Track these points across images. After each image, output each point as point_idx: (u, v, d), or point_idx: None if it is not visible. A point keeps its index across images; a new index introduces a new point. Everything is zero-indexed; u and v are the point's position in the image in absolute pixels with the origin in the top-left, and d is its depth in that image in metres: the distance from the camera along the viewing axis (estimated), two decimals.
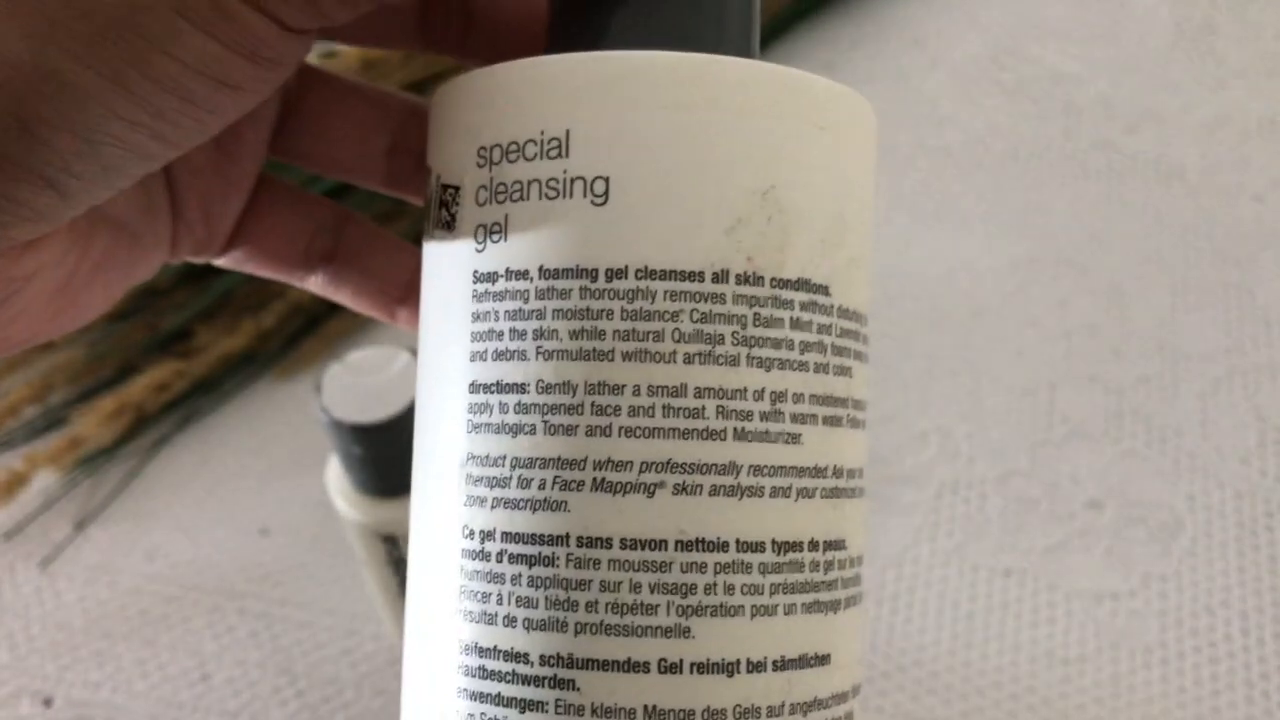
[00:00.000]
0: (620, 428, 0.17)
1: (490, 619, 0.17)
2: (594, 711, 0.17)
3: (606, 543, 0.17)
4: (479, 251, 0.18)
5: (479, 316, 0.18)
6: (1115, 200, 0.55)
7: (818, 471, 0.18)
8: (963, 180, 0.56)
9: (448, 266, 0.19)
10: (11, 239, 0.17)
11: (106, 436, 0.48)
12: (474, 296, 0.18)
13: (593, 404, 0.17)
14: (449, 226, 0.19)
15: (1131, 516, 0.44)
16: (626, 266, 0.17)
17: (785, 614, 0.17)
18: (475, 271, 0.18)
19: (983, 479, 0.46)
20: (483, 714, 0.17)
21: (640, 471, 0.17)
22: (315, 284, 0.25)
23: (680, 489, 0.17)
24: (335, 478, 0.36)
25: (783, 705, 0.17)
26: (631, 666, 0.17)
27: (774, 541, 0.17)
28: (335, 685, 0.42)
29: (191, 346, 0.51)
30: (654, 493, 0.17)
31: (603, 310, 0.17)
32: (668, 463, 0.17)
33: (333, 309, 0.52)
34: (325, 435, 0.34)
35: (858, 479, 0.19)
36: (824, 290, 0.18)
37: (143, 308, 0.52)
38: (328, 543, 0.45)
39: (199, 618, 0.44)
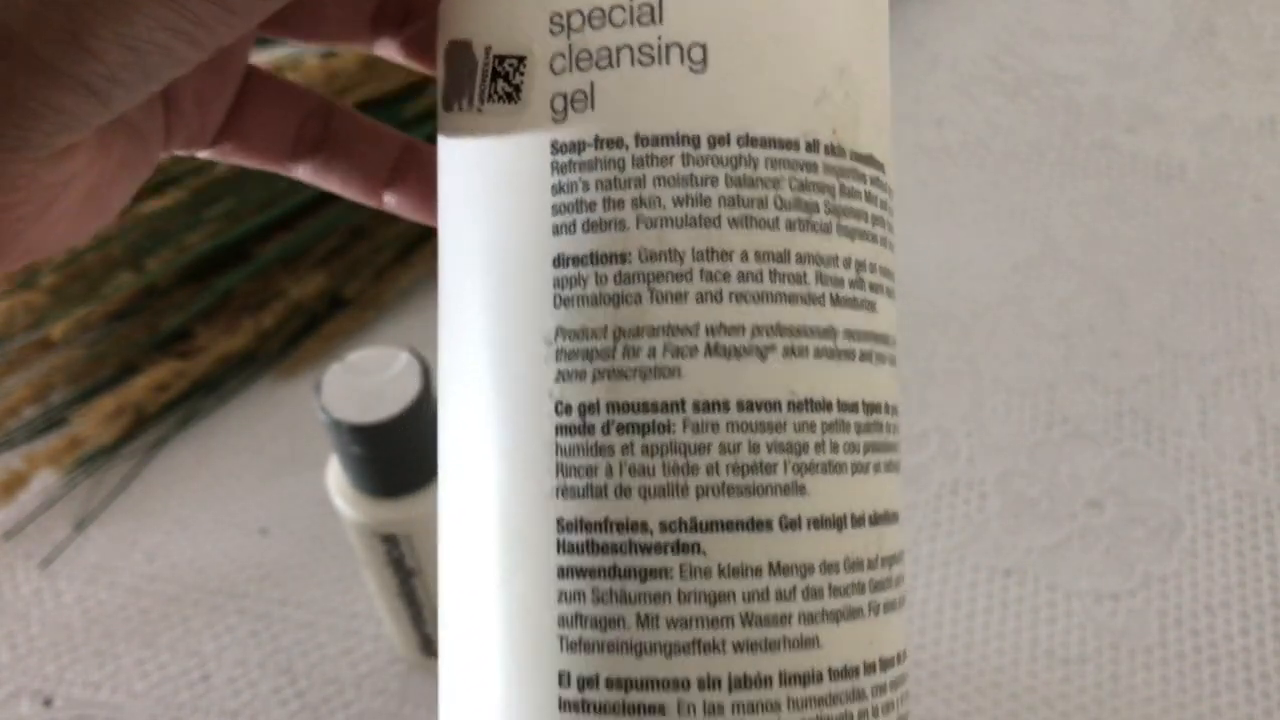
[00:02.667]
0: (731, 293, 0.17)
1: (599, 492, 0.17)
2: (721, 572, 0.17)
3: (724, 406, 0.17)
4: (558, 121, 0.18)
5: (562, 188, 0.18)
6: (1115, 200, 0.55)
7: (886, 340, 0.19)
8: (963, 180, 0.56)
9: (508, 140, 0.18)
10: (54, 145, 0.18)
11: (106, 436, 0.48)
12: (554, 168, 0.18)
13: (701, 270, 0.17)
14: (511, 98, 0.18)
15: (1131, 516, 0.44)
16: (729, 134, 0.17)
17: (874, 472, 0.18)
18: (555, 142, 0.18)
19: (983, 479, 0.46)
20: (594, 590, 0.17)
21: (752, 335, 0.17)
22: (304, 173, 0.25)
23: (789, 351, 0.17)
24: (335, 477, 0.36)
25: (876, 558, 0.18)
26: (755, 525, 0.17)
27: (864, 403, 0.18)
28: (335, 685, 0.42)
29: (191, 346, 0.51)
30: (766, 356, 0.17)
31: (707, 177, 0.17)
32: (777, 326, 0.17)
33: (333, 309, 0.52)
34: (325, 435, 0.34)
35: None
36: (883, 168, 0.19)
37: (143, 308, 0.52)
38: (328, 543, 0.45)
39: (199, 618, 0.44)
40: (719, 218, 0.17)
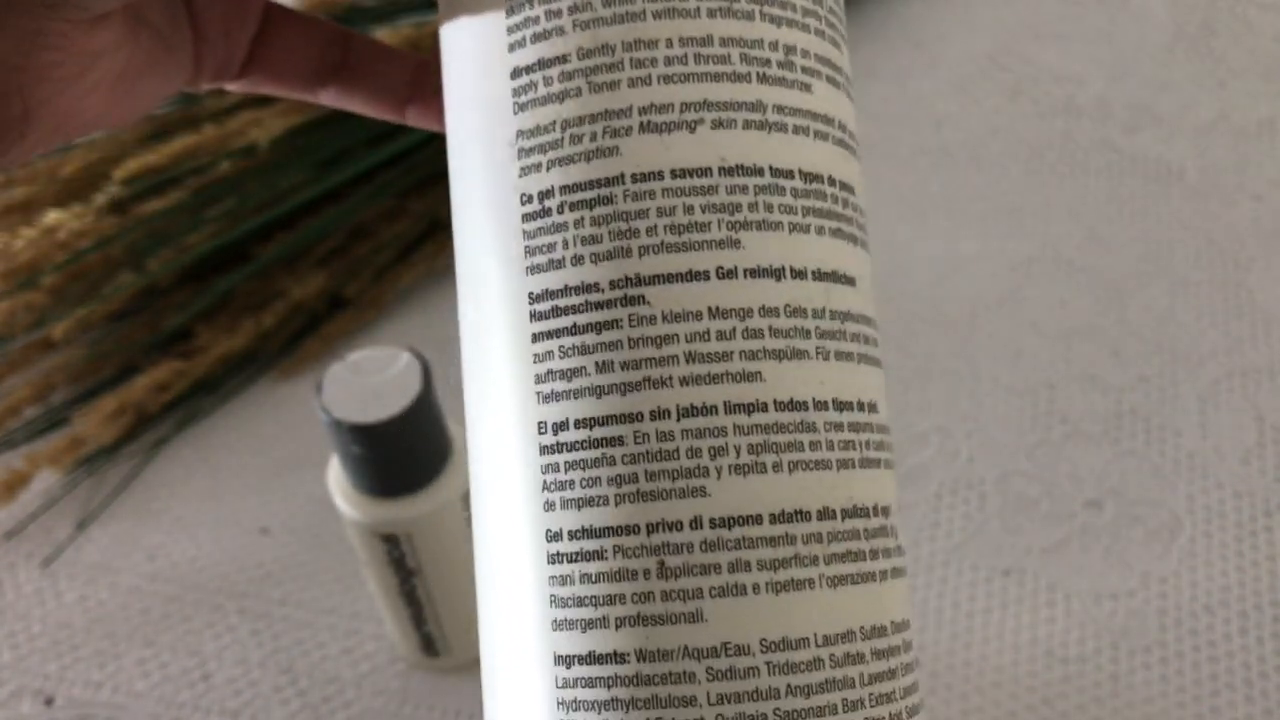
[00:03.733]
0: (659, 76, 0.19)
1: (558, 264, 0.19)
2: (664, 318, 0.19)
3: (658, 175, 0.19)
4: None
5: (513, 9, 0.20)
6: (1115, 200, 0.55)
7: (828, 120, 0.20)
8: (963, 180, 0.56)
9: (477, 3, 0.21)
10: (90, 8, 0.19)
11: (107, 436, 0.48)
12: (510, 8, 0.20)
13: (631, 59, 0.19)
14: None
15: (1131, 516, 0.44)
16: None
17: (817, 234, 0.20)
18: None
19: (982, 479, 0.46)
20: (560, 347, 0.19)
21: (680, 111, 0.19)
22: (328, 97, 0.27)
23: (717, 124, 0.19)
24: (336, 477, 0.36)
25: (824, 310, 0.20)
26: (693, 276, 0.19)
27: (800, 170, 0.20)
28: (335, 685, 0.42)
29: (192, 346, 0.51)
30: (695, 129, 0.19)
31: None
32: (704, 102, 0.19)
33: (333, 309, 0.53)
34: (326, 435, 0.34)
35: (855, 138, 0.22)
36: None
37: (143, 308, 0.52)
38: (328, 543, 0.45)
39: (200, 617, 0.44)
40: (644, 12, 0.19)
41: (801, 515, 0.19)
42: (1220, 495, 0.45)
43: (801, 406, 0.19)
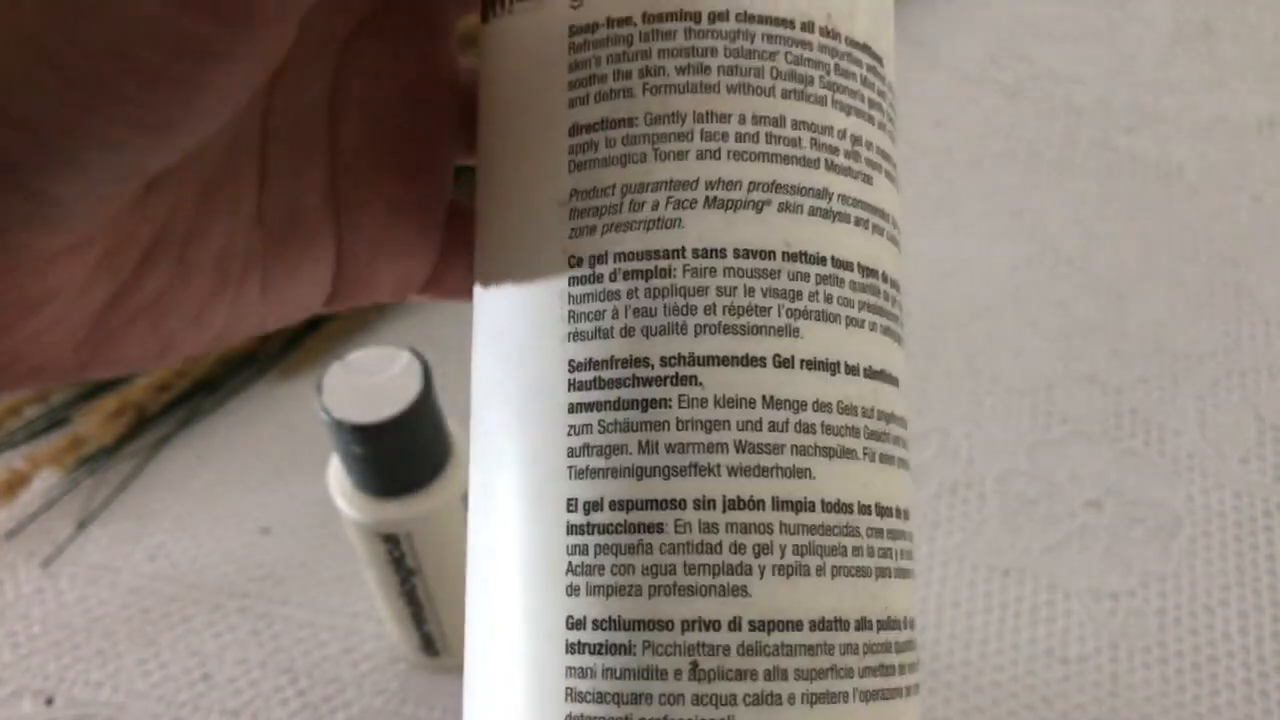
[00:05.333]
0: (729, 151, 0.19)
1: (605, 333, 0.18)
2: (716, 402, 0.18)
3: (721, 253, 0.18)
4: (575, 8, 0.19)
5: (577, 65, 0.19)
6: (1115, 200, 0.55)
7: (884, 215, 0.20)
8: (962, 180, 0.56)
9: (531, 34, 0.20)
10: (64, 226, 0.16)
11: (108, 436, 0.48)
12: (571, 48, 0.19)
13: (702, 130, 0.19)
14: None
15: (1131, 516, 0.44)
16: (728, 10, 0.19)
17: (870, 330, 0.19)
18: (572, 26, 0.19)
19: (982, 479, 0.46)
20: (601, 421, 0.18)
21: (749, 190, 0.19)
22: None
23: (784, 207, 0.19)
24: (336, 477, 0.36)
25: (872, 410, 0.19)
26: (749, 361, 0.18)
27: (859, 264, 0.19)
28: (336, 685, 0.42)
29: None
30: (762, 209, 0.19)
31: (707, 49, 0.19)
32: (773, 183, 0.19)
33: None
34: (326, 435, 0.34)
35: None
36: (880, 60, 0.20)
37: None
38: (328, 542, 0.45)
39: (200, 617, 0.44)
40: (718, 84, 0.19)
41: (840, 624, 0.18)
42: (1220, 495, 0.45)
43: (847, 509, 0.18)
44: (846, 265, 0.19)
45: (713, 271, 0.18)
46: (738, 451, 0.18)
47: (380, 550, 0.37)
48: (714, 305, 0.18)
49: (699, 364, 0.18)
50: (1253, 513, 0.44)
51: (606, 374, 0.18)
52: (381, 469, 0.35)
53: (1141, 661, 0.40)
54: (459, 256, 0.23)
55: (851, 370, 0.19)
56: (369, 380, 0.33)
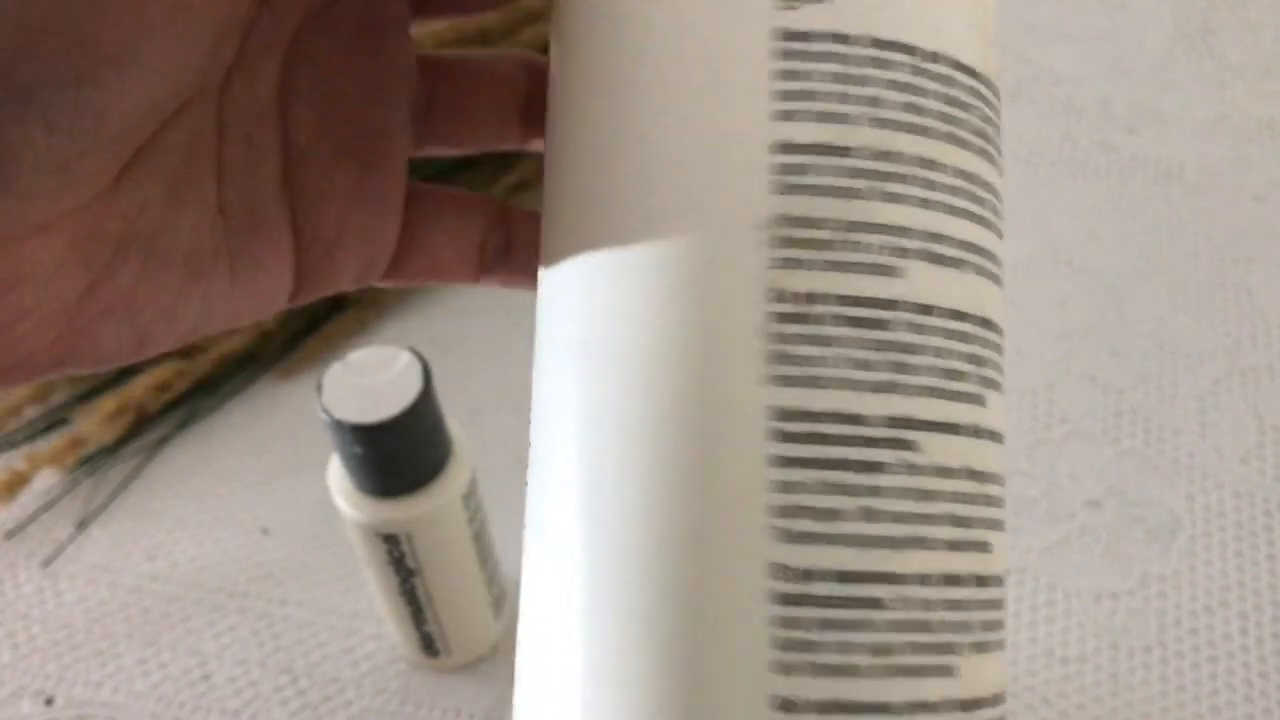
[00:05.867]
0: (943, 204, 0.18)
1: (818, 382, 0.17)
2: (933, 471, 0.17)
3: (936, 311, 0.17)
4: (789, 9, 0.17)
5: (787, 75, 0.17)
6: (1115, 200, 0.55)
7: (998, 259, 0.20)
8: None
9: (706, 23, 0.17)
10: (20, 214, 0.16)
11: (108, 436, 0.48)
12: (779, 54, 0.17)
13: (921, 178, 0.17)
14: None
15: (1130, 516, 0.44)
16: (941, 53, 0.18)
17: (999, 395, 0.19)
18: (785, 30, 0.17)
19: None
20: (817, 480, 0.17)
21: (957, 248, 0.18)
22: (493, 282, 0.24)
23: (979, 270, 0.18)
24: (336, 477, 0.36)
25: (999, 476, 0.19)
26: (955, 429, 0.17)
27: (999, 329, 0.19)
28: (336, 685, 0.42)
29: (192, 346, 0.51)
30: (963, 269, 0.18)
31: (924, 89, 0.18)
32: (971, 243, 0.18)
33: (333, 309, 0.53)
34: (326, 435, 0.34)
35: None
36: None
37: None
38: (328, 542, 0.45)
39: (200, 617, 0.44)
40: (930, 129, 0.18)
41: (999, 698, 0.18)
42: (1220, 495, 0.45)
43: (999, 581, 0.18)
44: (999, 330, 0.19)
45: (929, 330, 0.17)
46: (951, 525, 0.17)
47: (380, 550, 0.37)
48: (931, 366, 0.17)
49: (917, 428, 0.17)
50: (1253, 513, 0.44)
51: (824, 428, 0.17)
52: (381, 469, 0.35)
53: (1141, 661, 0.40)
54: (420, 241, 0.23)
55: (999, 440, 0.19)
56: (369, 380, 0.33)
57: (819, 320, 0.17)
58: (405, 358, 0.34)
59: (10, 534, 0.47)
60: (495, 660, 0.41)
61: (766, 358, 0.17)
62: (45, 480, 0.48)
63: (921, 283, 0.17)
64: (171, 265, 0.19)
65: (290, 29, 0.21)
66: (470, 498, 0.37)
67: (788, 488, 0.16)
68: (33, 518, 0.47)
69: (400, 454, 0.35)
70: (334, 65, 0.21)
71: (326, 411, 0.33)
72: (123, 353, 0.19)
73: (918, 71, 0.18)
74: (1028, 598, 0.42)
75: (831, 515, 0.16)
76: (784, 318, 0.17)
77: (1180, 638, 0.41)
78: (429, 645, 0.40)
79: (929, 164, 0.18)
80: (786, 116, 0.17)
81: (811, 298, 0.17)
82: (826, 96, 0.17)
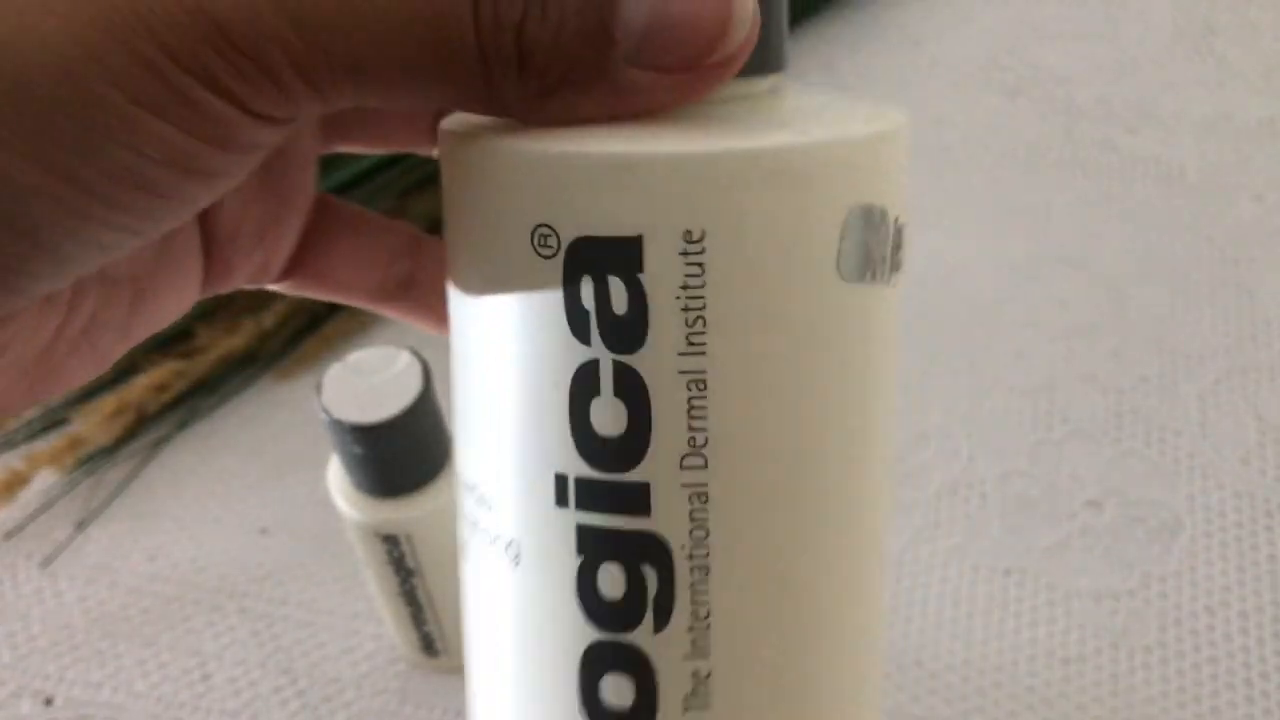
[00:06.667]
0: None
1: None
2: None
3: None
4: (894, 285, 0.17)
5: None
6: (1115, 200, 0.55)
7: None
8: (962, 180, 0.56)
9: (872, 310, 0.17)
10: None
11: (107, 436, 0.48)
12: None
13: None
14: (900, 268, 0.17)
15: (1131, 516, 0.44)
16: None
17: None
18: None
19: (983, 479, 0.46)
20: None
21: None
22: (395, 313, 0.24)
23: None
24: (336, 477, 0.36)
25: None
26: None
27: None
28: (335, 685, 0.42)
29: (191, 346, 0.51)
30: None
31: None
32: None
33: (333, 309, 0.53)
34: (326, 435, 0.34)
35: None
36: None
37: None
38: (328, 543, 0.45)
39: (199, 617, 0.44)
40: None
41: None
42: (1220, 495, 0.45)
43: None
44: None
45: None
46: None
47: (380, 550, 0.37)
48: None
49: None
50: (1253, 513, 0.44)
51: None
52: (381, 469, 0.35)
53: (1141, 661, 0.40)
54: (320, 252, 0.23)
55: None
56: (369, 380, 0.33)
57: None
58: (405, 358, 0.34)
59: (10, 534, 0.47)
60: None
61: None
62: (44, 480, 0.48)
63: None
64: (121, 285, 0.20)
65: None
66: None
67: None
68: (32, 518, 0.47)
69: (400, 454, 0.35)
70: None
71: (326, 411, 0.33)
72: (86, 376, 0.20)
73: None
74: (1028, 598, 0.42)
75: None
76: None
77: (1181, 638, 0.41)
78: (429, 645, 0.40)
79: None
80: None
81: None
82: None
